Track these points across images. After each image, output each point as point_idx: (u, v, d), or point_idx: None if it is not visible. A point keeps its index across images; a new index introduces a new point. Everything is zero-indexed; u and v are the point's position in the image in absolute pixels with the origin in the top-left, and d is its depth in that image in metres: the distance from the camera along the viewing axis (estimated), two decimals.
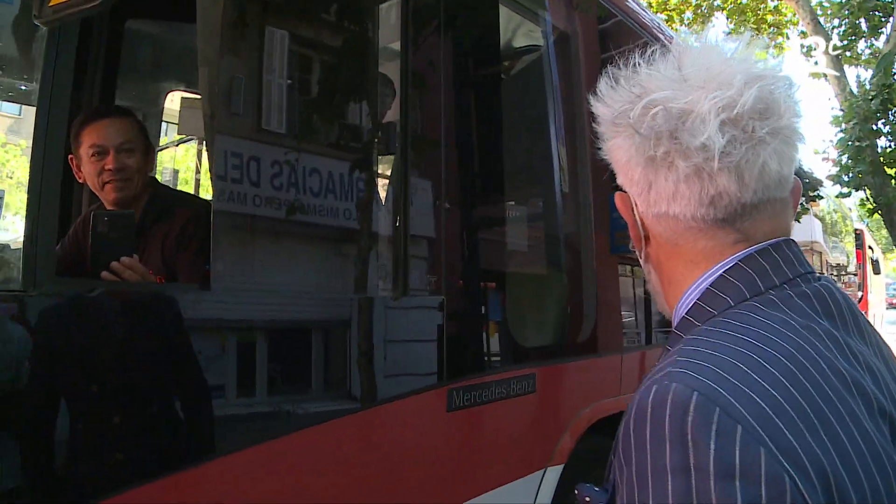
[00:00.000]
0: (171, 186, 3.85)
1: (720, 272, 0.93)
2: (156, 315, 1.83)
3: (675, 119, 0.88)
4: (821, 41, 13.60)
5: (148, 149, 2.49)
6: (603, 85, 0.98)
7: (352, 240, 2.33)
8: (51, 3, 1.44)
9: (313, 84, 2.34)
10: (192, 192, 4.84)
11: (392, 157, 2.44)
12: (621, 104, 0.94)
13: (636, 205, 0.99)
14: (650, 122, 0.90)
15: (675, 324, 0.98)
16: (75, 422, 1.63)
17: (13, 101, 3.18)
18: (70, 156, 2.38)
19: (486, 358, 2.79)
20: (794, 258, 0.93)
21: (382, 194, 2.44)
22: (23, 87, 2.84)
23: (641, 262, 1.06)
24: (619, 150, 0.96)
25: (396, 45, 2.44)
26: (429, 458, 2.44)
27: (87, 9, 1.40)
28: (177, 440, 1.80)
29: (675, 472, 0.73)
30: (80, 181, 2.46)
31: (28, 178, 1.60)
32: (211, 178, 2.04)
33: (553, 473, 2.93)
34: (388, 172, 2.48)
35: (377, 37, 2.43)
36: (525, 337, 3.02)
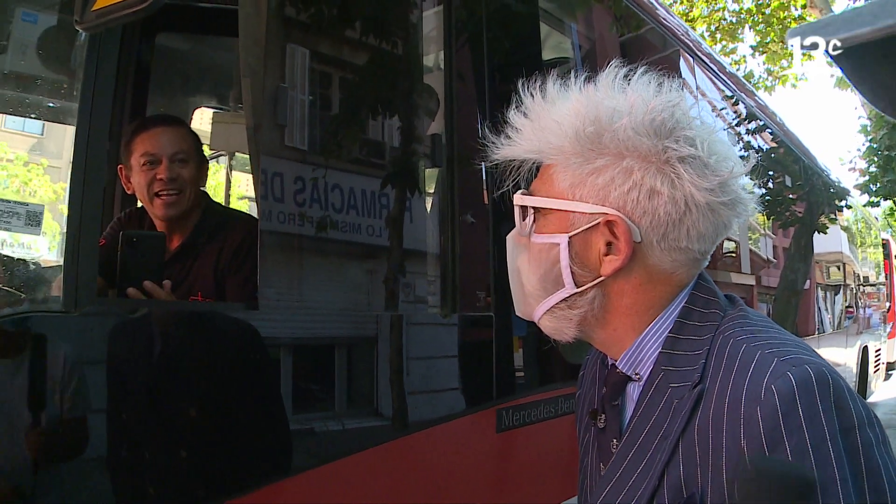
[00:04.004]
0: (222, 203, 3.66)
1: (691, 291, 1.04)
2: (199, 334, 1.76)
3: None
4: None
5: (202, 162, 2.33)
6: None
7: (398, 257, 2.26)
8: (94, 8, 1.36)
9: (357, 98, 2.27)
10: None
11: (439, 171, 2.37)
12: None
13: (632, 235, 1.00)
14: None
15: (647, 339, 1.04)
16: (114, 443, 1.58)
17: (41, 119, 3.14)
18: (120, 165, 2.28)
19: (534, 376, 2.71)
20: None
21: (429, 210, 2.37)
22: (50, 105, 2.78)
23: (576, 288, 1.05)
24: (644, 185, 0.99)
25: (442, 57, 2.38)
26: (478, 479, 2.37)
27: (134, 12, 1.31)
28: (222, 466, 1.73)
29: (833, 439, 0.85)
30: (129, 192, 2.32)
31: (68, 195, 1.54)
32: (255, 194, 1.97)
33: None
34: (435, 189, 2.41)
35: (422, 48, 2.36)
36: (572, 353, 2.93)
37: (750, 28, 15.43)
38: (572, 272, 1.03)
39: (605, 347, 1.11)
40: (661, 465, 0.96)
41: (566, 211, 1.03)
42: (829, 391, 0.87)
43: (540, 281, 1.06)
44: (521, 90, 1.05)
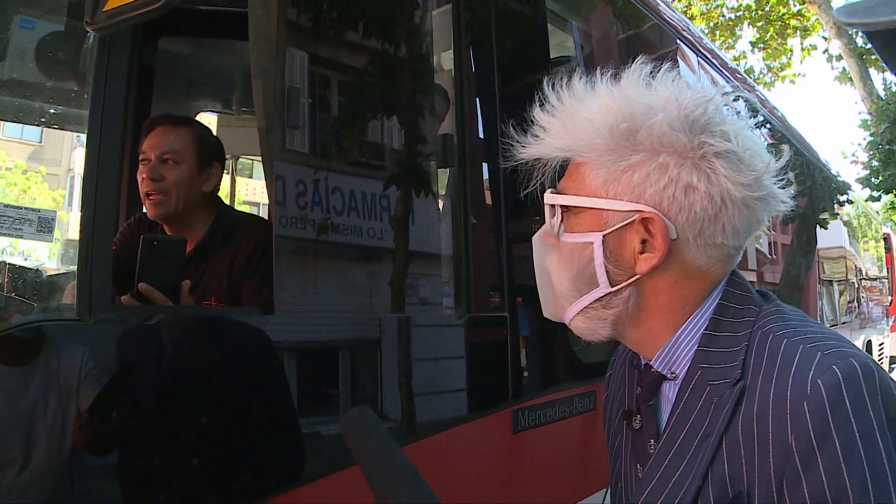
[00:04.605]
0: (235, 208, 3.51)
1: (725, 287, 1.03)
2: (216, 340, 1.74)
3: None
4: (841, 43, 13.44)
5: (204, 164, 2.23)
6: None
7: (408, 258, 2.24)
8: (105, 8, 1.33)
9: (374, 100, 2.23)
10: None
11: (451, 171, 2.34)
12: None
13: (668, 232, 0.99)
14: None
15: (684, 335, 1.03)
16: (132, 451, 1.57)
17: (41, 126, 3.11)
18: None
19: (548, 376, 2.69)
20: None
21: (441, 210, 2.34)
22: (51, 111, 2.75)
23: (611, 287, 1.03)
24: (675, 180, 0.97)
25: (452, 57, 2.36)
26: (494, 480, 2.36)
27: (147, 12, 1.28)
28: (242, 473, 1.70)
29: (881, 430, 0.84)
30: None
31: (81, 202, 1.51)
32: (269, 198, 1.94)
33: None
34: (447, 189, 2.39)
35: (438, 50, 2.34)
36: (586, 352, 2.91)
37: (749, 25, 15.45)
38: (607, 271, 1.02)
39: (639, 347, 1.10)
40: (705, 463, 0.94)
41: (599, 209, 1.01)
42: (874, 383, 0.86)
43: (572, 281, 1.04)
44: (545, 88, 1.03)
